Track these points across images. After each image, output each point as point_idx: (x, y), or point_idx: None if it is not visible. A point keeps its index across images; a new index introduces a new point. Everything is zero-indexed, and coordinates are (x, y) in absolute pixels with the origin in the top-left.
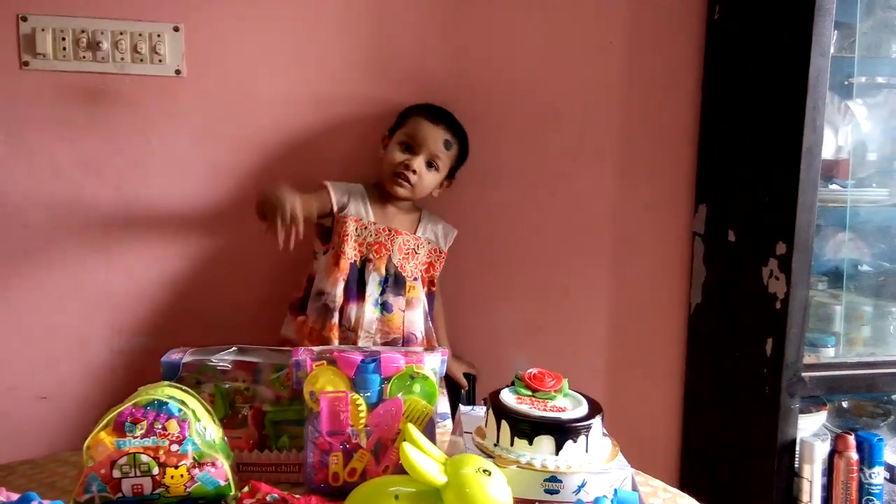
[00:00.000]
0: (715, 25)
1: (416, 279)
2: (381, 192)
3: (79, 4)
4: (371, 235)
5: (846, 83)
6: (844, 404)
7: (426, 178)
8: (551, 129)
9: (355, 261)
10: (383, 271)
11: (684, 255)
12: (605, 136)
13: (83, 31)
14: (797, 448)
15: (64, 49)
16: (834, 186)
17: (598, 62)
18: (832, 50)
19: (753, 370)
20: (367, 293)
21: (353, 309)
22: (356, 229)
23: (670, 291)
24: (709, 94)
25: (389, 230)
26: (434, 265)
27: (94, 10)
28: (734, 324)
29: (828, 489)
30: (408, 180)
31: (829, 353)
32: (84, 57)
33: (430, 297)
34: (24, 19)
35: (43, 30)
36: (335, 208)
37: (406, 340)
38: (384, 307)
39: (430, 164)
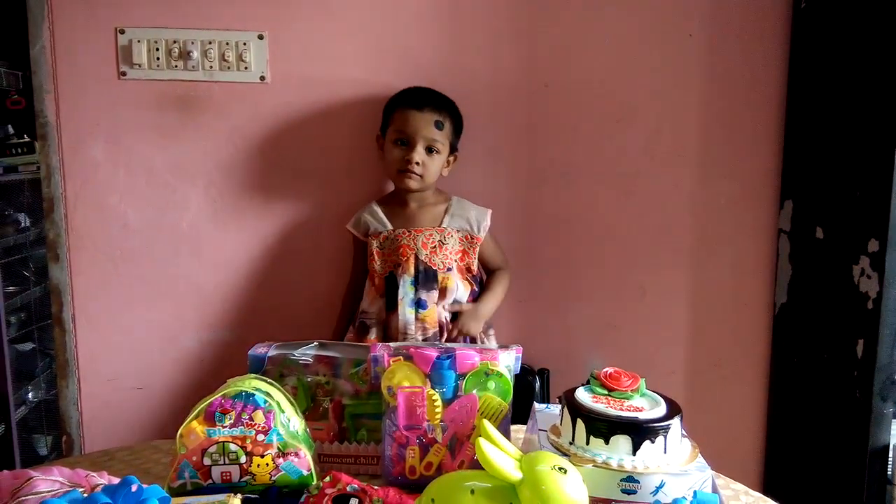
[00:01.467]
0: (801, 14)
1: (449, 269)
2: (397, 195)
3: (171, 17)
4: (393, 242)
5: None
6: None
7: (431, 165)
8: (628, 127)
9: (389, 272)
10: (412, 270)
11: (769, 254)
12: (683, 133)
13: (175, 42)
14: (890, 455)
15: (157, 59)
16: None
17: (677, 56)
18: None
19: (843, 373)
20: (400, 296)
21: (394, 318)
22: (378, 243)
23: (754, 291)
24: (795, 86)
25: (408, 231)
26: (468, 252)
27: (185, 20)
28: (822, 324)
29: None
30: (414, 172)
31: None
32: (176, 66)
33: (475, 280)
34: (122, 32)
35: (139, 41)
36: (366, 236)
37: (441, 331)
38: (419, 305)
39: (430, 150)
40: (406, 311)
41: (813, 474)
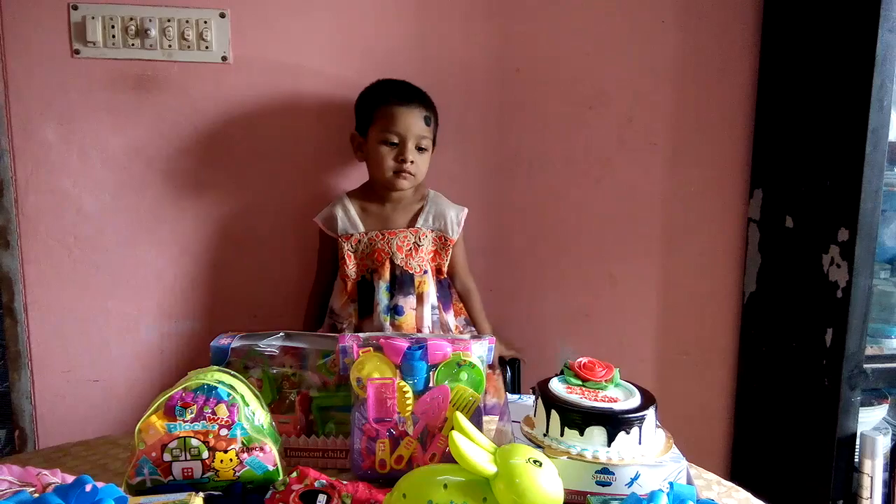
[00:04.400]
0: (773, 2)
1: (425, 272)
2: (372, 194)
3: None
4: (367, 247)
5: None
6: None
7: (422, 163)
8: (599, 113)
9: (362, 277)
10: (388, 275)
11: (738, 242)
12: (655, 120)
13: (132, 19)
14: (857, 442)
15: (113, 37)
16: None
17: (648, 42)
18: None
19: (812, 361)
20: (376, 301)
21: (367, 324)
22: (351, 246)
23: (723, 280)
24: (766, 74)
25: (382, 234)
26: (440, 253)
27: None
28: (791, 313)
29: (890, 485)
30: (409, 173)
31: (891, 344)
32: (133, 44)
33: (441, 285)
34: (75, 8)
35: (93, 18)
36: (337, 234)
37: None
38: (395, 311)
39: (419, 148)
40: (381, 318)
41: (780, 462)
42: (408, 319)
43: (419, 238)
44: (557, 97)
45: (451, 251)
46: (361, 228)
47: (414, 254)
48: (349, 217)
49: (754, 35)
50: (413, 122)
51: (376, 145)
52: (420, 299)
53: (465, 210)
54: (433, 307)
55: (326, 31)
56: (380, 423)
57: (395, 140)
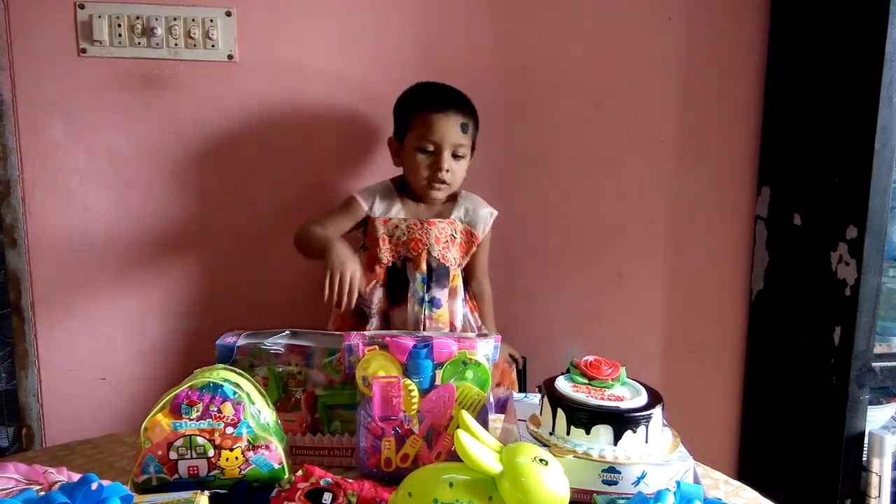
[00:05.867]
0: None
1: (459, 266)
2: (411, 188)
3: None
4: (404, 234)
5: None
6: None
7: (458, 171)
8: (606, 111)
9: (394, 263)
10: (424, 267)
11: (745, 240)
12: (662, 118)
13: (138, 18)
14: (866, 441)
15: (120, 36)
16: None
17: (655, 39)
18: None
19: (820, 360)
20: (410, 293)
21: (397, 312)
22: (388, 230)
23: (730, 278)
24: (774, 71)
25: (421, 223)
26: (464, 248)
27: None
28: (799, 311)
29: None
30: (444, 182)
31: None
32: (139, 43)
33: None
34: (82, 7)
35: (100, 17)
36: (370, 215)
37: (452, 331)
38: (432, 303)
39: (456, 156)
40: (415, 309)
41: (787, 461)
42: (444, 313)
43: (455, 231)
44: (564, 95)
45: (473, 249)
46: (402, 214)
47: (450, 246)
48: (391, 200)
49: (762, 31)
50: (449, 130)
51: (412, 152)
52: (453, 293)
53: (496, 213)
54: (463, 301)
55: (331, 30)
56: (385, 421)
57: (431, 148)
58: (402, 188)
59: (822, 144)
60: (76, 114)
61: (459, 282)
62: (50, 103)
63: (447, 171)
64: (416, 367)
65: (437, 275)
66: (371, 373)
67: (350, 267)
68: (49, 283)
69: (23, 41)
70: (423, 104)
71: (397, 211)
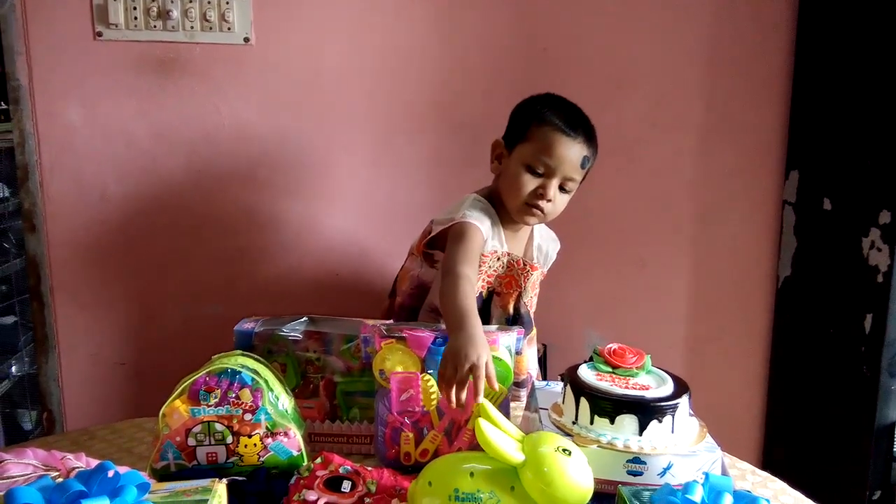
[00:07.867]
0: None
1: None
2: (499, 205)
3: None
4: (503, 267)
5: None
6: None
7: (560, 204)
8: (629, 93)
9: (481, 293)
10: (510, 309)
11: (773, 225)
12: (686, 100)
13: (153, 0)
14: None
15: (135, 18)
16: None
17: (680, 18)
18: None
19: (850, 348)
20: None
21: None
22: (490, 261)
23: (757, 264)
24: (803, 50)
25: (525, 264)
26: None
27: None
28: (828, 298)
29: None
30: (542, 210)
31: None
32: (155, 26)
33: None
34: None
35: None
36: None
37: (525, 383)
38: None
39: (563, 188)
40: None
41: (815, 451)
42: (521, 361)
43: (539, 276)
44: (585, 77)
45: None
46: (505, 248)
47: (532, 291)
48: (495, 227)
49: (791, 10)
50: (569, 158)
51: (519, 166)
52: (530, 342)
53: (559, 247)
54: (537, 351)
55: (348, 11)
56: (404, 415)
57: (541, 171)
58: (497, 207)
59: (854, 126)
60: (92, 98)
61: (535, 331)
62: (66, 87)
63: (549, 201)
64: (436, 362)
65: (523, 322)
66: (389, 368)
67: (484, 357)
68: (68, 269)
69: (39, 25)
70: (550, 119)
71: (501, 242)
